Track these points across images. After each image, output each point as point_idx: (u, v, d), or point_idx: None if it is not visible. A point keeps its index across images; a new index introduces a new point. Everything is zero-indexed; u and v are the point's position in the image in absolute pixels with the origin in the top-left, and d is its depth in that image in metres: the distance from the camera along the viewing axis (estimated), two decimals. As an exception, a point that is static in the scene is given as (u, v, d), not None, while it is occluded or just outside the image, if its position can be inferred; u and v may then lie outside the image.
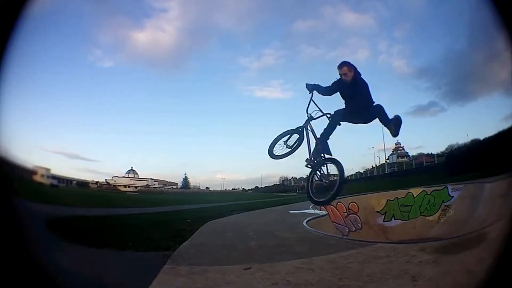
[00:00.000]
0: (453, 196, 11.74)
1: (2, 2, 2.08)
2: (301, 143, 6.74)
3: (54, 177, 12.11)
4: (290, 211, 11.58)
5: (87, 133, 17.72)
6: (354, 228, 12.04)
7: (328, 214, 11.63)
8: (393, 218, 12.24)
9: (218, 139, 23.68)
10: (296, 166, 26.14)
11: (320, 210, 11.40)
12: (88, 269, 4.08)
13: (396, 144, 20.47)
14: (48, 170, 11.21)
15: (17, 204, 2.40)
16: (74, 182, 15.87)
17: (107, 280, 3.83)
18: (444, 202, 11.75)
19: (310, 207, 11.71)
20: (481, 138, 14.32)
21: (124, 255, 5.42)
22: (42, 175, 10.75)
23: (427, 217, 11.62)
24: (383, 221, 12.18)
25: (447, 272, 3.86)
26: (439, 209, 11.68)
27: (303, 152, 6.69)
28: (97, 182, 18.16)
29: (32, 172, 9.63)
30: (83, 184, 16.93)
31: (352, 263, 4.47)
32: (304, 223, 8.40)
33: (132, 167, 20.11)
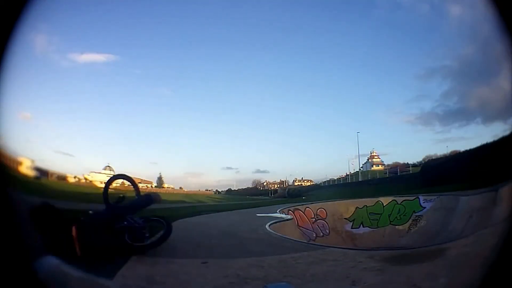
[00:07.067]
0: (425, 207, 11.63)
1: (2, 2, 2.07)
2: None
3: (37, 169, 11.83)
4: (258, 214, 11.24)
5: (68, 128, 17.38)
6: (321, 234, 11.62)
7: (294, 218, 11.42)
8: (361, 226, 11.97)
9: (193, 140, 23.53)
10: (269, 171, 26.24)
11: (287, 215, 11.16)
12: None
13: (371, 152, 20.59)
14: (32, 161, 10.95)
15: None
16: (55, 175, 15.63)
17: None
18: (415, 212, 11.61)
19: (278, 211, 11.45)
20: (461, 150, 14.43)
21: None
22: (27, 167, 10.50)
23: (396, 226, 11.42)
24: (351, 228, 11.99)
25: (389, 281, 3.75)
26: (409, 219, 11.54)
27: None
28: (75, 177, 17.97)
29: (18, 163, 9.38)
30: (62, 177, 16.72)
31: (300, 264, 4.68)
32: (267, 226, 8.15)
33: (108, 163, 19.86)
